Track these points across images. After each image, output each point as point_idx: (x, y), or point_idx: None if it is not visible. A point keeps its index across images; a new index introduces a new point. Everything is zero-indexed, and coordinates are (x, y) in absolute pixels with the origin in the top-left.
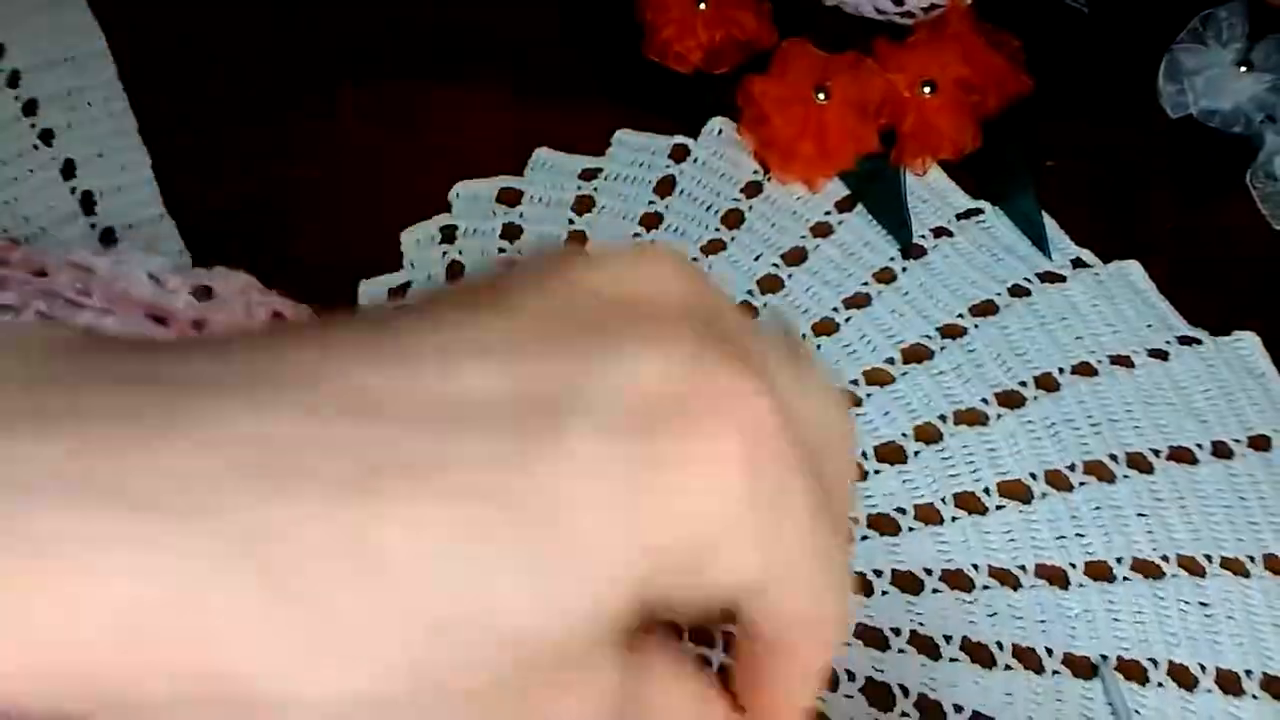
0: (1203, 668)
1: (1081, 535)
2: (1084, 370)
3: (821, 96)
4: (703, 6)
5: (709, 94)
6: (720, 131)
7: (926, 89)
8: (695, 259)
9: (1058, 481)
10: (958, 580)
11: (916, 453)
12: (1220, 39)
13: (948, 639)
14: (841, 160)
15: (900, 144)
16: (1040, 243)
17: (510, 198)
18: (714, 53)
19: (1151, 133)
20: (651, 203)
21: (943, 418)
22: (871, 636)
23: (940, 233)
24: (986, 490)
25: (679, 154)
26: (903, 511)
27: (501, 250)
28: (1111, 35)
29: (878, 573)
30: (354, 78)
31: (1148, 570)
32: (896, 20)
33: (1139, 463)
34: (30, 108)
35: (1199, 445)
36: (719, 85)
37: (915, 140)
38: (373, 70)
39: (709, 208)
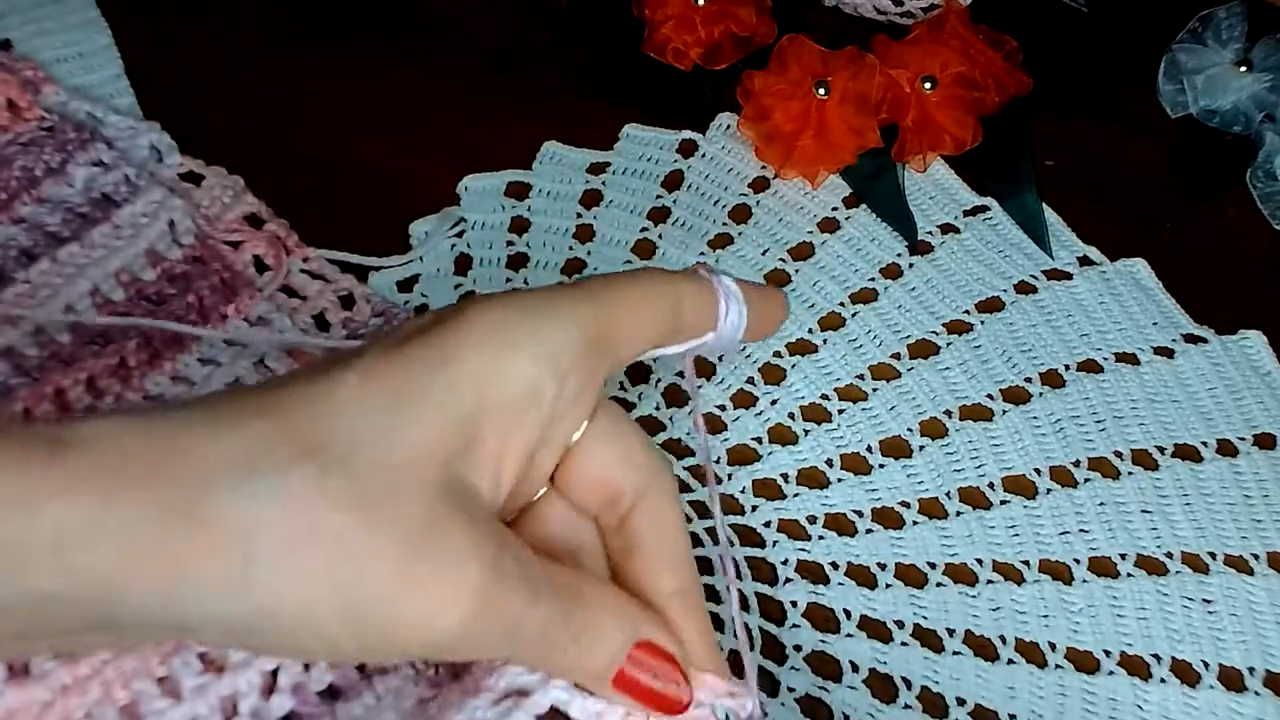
0: (1206, 664)
1: (1086, 531)
2: (1090, 367)
3: (822, 92)
4: (701, 2)
5: (708, 90)
6: (728, 127)
7: (927, 84)
8: (702, 253)
9: (1062, 477)
10: (961, 574)
11: (921, 447)
12: (1220, 38)
13: (951, 632)
14: (843, 155)
15: (901, 139)
16: (1041, 240)
17: (518, 191)
18: (713, 49)
19: (1151, 132)
20: (659, 197)
21: (948, 413)
22: (875, 629)
23: (947, 229)
24: (991, 485)
25: (687, 149)
26: (907, 505)
27: (509, 243)
28: (1111, 35)
29: (882, 566)
30: (360, 74)
31: (1151, 567)
32: (896, 20)
33: (1144, 460)
34: None
35: (1204, 443)
36: (718, 81)
37: (916, 135)
38: (378, 67)
39: (716, 202)
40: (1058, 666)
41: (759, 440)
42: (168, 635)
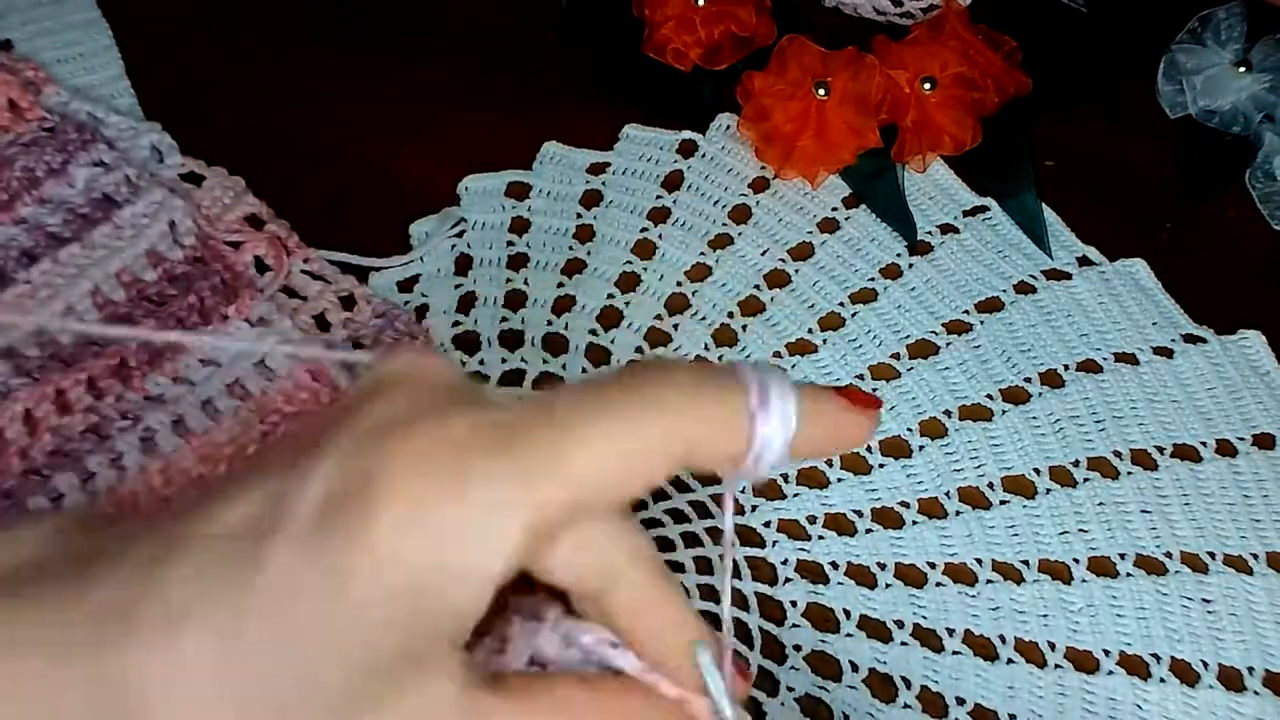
0: (1205, 664)
1: (1085, 530)
2: (1089, 367)
3: (822, 92)
4: (701, 3)
5: (708, 90)
6: (728, 127)
7: (926, 85)
8: (702, 253)
9: (1062, 477)
10: (961, 574)
11: (921, 447)
12: (1219, 39)
13: (950, 632)
14: (843, 155)
15: (901, 139)
16: (1041, 240)
17: (519, 191)
18: (713, 49)
19: (1151, 132)
20: (659, 197)
21: (948, 413)
22: (875, 628)
23: (947, 229)
24: (990, 485)
25: (687, 149)
26: (906, 505)
27: (509, 243)
28: (1111, 35)
29: (882, 565)
30: (360, 74)
31: (1151, 566)
32: (896, 21)
33: (1143, 459)
34: None
35: (1203, 443)
36: (718, 81)
37: (916, 135)
38: (378, 66)
39: (716, 202)
40: (1057, 666)
41: None
42: None
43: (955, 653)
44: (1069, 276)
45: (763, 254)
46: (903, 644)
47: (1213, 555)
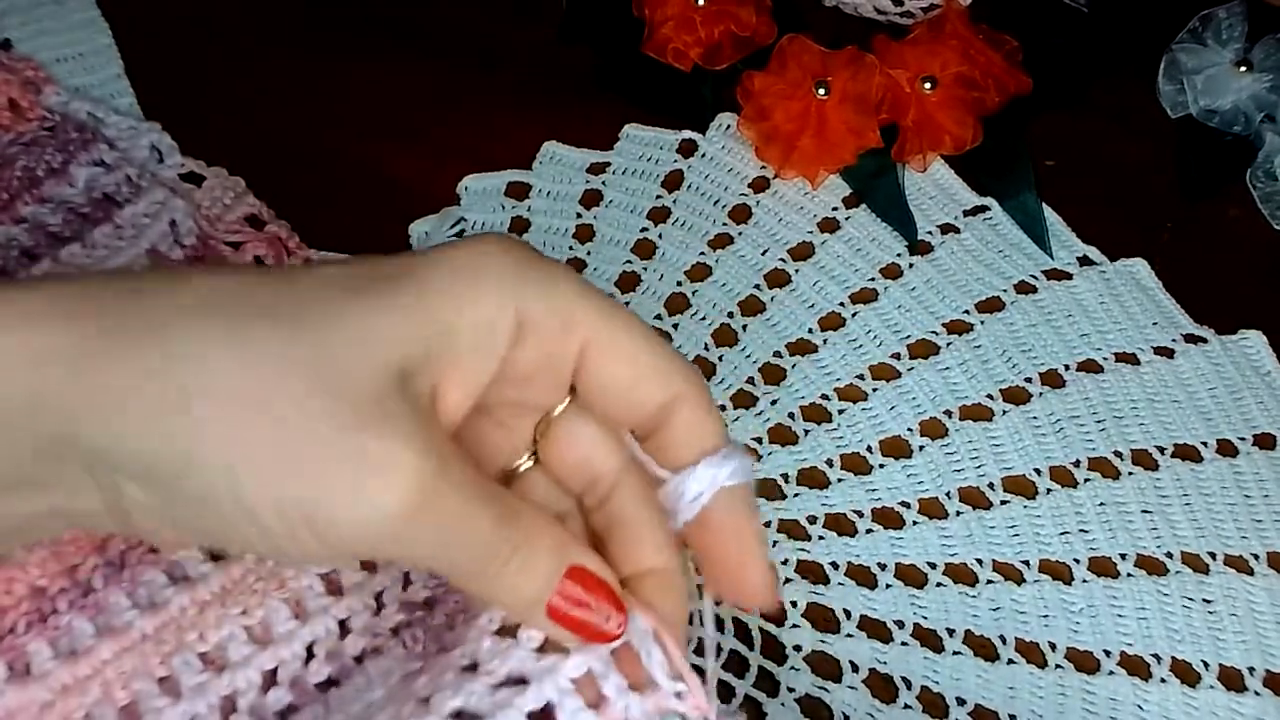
0: (1206, 664)
1: (1085, 531)
2: (1090, 367)
3: (822, 92)
4: (701, 2)
5: (708, 90)
6: (728, 127)
7: (927, 85)
8: (702, 253)
9: (1062, 477)
10: (961, 574)
11: (921, 447)
12: (1219, 38)
13: (951, 632)
14: (843, 155)
15: (901, 139)
16: (1041, 240)
17: (518, 191)
18: (713, 49)
19: (1151, 132)
20: (659, 197)
21: (948, 413)
22: (875, 629)
23: (947, 229)
24: (991, 485)
25: (687, 149)
26: (907, 505)
27: None
28: (1111, 35)
29: (882, 566)
30: (360, 74)
31: (1151, 566)
32: (896, 20)
33: (1144, 460)
34: None
35: (1204, 443)
36: (718, 81)
37: (916, 135)
38: (378, 67)
39: (716, 202)
40: (1058, 666)
41: (759, 440)
42: (106, 477)
43: (956, 653)
44: (1069, 276)
45: (763, 254)
46: (903, 644)
47: (1213, 555)
